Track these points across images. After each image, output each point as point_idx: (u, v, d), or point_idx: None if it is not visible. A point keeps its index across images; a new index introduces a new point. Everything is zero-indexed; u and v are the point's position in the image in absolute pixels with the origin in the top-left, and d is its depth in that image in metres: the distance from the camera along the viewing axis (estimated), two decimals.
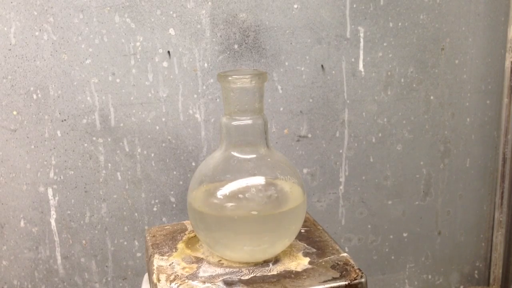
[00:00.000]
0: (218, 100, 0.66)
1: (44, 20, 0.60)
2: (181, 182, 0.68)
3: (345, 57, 0.68)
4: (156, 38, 0.63)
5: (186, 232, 0.51)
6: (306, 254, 0.45)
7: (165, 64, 0.64)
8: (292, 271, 0.42)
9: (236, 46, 0.65)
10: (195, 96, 0.65)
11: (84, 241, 0.67)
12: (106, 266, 0.69)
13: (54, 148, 0.64)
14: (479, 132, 0.76)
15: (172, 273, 0.42)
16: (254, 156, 0.43)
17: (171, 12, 0.63)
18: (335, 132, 0.70)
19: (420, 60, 0.71)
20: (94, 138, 0.64)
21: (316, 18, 0.66)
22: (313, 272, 0.42)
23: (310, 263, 0.43)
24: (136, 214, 0.68)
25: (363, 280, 0.41)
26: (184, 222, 0.54)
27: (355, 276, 0.41)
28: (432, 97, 0.72)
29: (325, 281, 0.40)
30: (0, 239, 0.66)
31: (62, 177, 0.65)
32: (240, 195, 0.42)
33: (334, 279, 0.41)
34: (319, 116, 0.69)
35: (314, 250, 0.46)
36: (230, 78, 0.41)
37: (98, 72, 0.63)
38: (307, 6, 0.65)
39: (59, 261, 0.67)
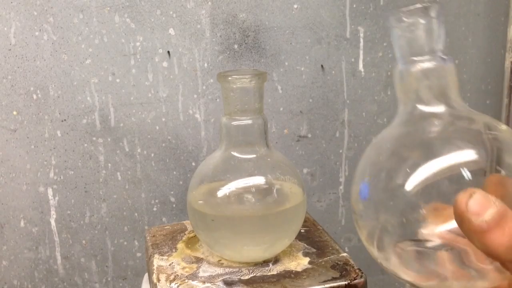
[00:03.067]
0: (218, 100, 0.66)
1: (44, 20, 0.60)
2: (181, 182, 0.68)
3: (345, 57, 0.68)
4: (156, 38, 0.63)
5: (186, 232, 0.51)
6: (306, 254, 0.45)
7: (165, 64, 0.64)
8: (292, 271, 0.42)
9: (236, 46, 0.65)
10: (195, 96, 0.65)
11: (84, 241, 0.67)
12: (106, 266, 0.69)
13: (54, 148, 0.64)
14: None
15: (172, 273, 0.42)
16: (254, 156, 0.43)
17: (171, 12, 0.63)
18: (335, 132, 0.70)
19: None
20: (94, 138, 0.64)
21: (316, 18, 0.66)
22: (313, 272, 0.42)
23: (310, 263, 0.43)
24: (136, 214, 0.68)
25: (363, 280, 0.41)
26: (184, 222, 0.54)
27: (355, 276, 0.41)
28: None
29: (325, 281, 0.40)
30: (0, 239, 0.66)
31: (62, 177, 0.65)
32: (240, 195, 0.42)
33: (334, 279, 0.41)
34: (319, 116, 0.69)
35: (314, 250, 0.46)
36: (230, 78, 0.41)
37: (98, 72, 0.63)
38: (307, 6, 0.65)
39: (59, 261, 0.67)
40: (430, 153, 0.29)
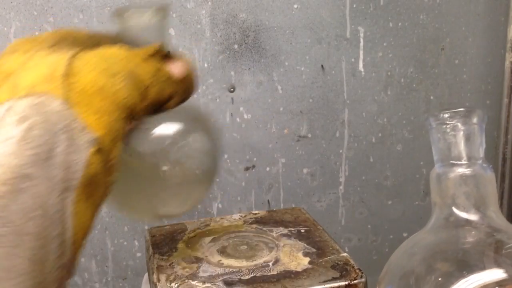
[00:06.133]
0: (218, 100, 0.66)
1: (44, 20, 0.60)
2: None
3: (345, 57, 0.68)
4: None
5: (186, 232, 0.51)
6: (306, 254, 0.45)
7: None
8: (292, 271, 0.42)
9: (236, 46, 0.65)
10: (195, 96, 0.65)
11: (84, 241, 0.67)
12: (106, 266, 0.69)
13: None
14: None
15: (172, 273, 0.42)
16: None
17: (171, 12, 0.63)
18: (335, 132, 0.70)
19: (420, 60, 0.71)
20: None
21: (316, 18, 0.66)
22: (313, 272, 0.42)
23: (310, 263, 0.43)
24: None
25: (363, 280, 0.41)
26: (184, 222, 0.54)
27: (355, 276, 0.41)
28: (432, 97, 0.72)
29: (325, 281, 0.40)
30: None
31: None
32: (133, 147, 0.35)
33: (334, 279, 0.41)
34: (319, 116, 0.69)
35: (314, 250, 0.46)
36: (127, 14, 0.34)
37: None
38: (307, 6, 0.65)
39: None
40: (465, 265, 0.28)
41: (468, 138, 0.30)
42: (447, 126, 0.30)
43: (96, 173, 0.24)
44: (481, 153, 0.31)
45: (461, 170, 0.30)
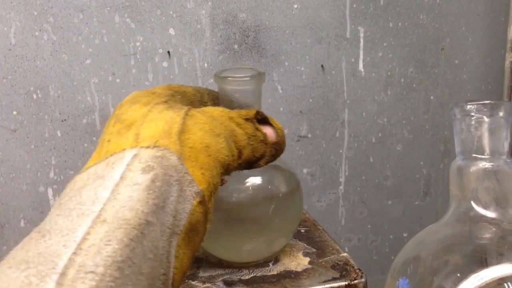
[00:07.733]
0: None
1: (44, 20, 0.60)
2: None
3: (345, 57, 0.68)
4: (156, 38, 0.63)
5: None
6: (306, 254, 0.45)
7: (165, 64, 0.64)
8: (292, 271, 0.42)
9: (236, 46, 0.65)
10: None
11: None
12: None
13: (54, 148, 0.64)
14: None
15: None
16: None
17: (171, 12, 0.63)
18: (335, 132, 0.70)
19: (420, 60, 0.71)
20: (94, 138, 0.64)
21: (316, 18, 0.66)
22: (313, 272, 0.42)
23: (310, 263, 0.43)
24: None
25: (363, 280, 0.41)
26: None
27: (355, 276, 0.41)
28: (432, 97, 0.72)
29: (325, 281, 0.40)
30: (0, 239, 0.66)
31: (62, 177, 0.65)
32: (235, 196, 0.41)
33: (334, 279, 0.41)
34: (319, 116, 0.69)
35: (314, 250, 0.46)
36: (229, 79, 0.40)
37: (98, 72, 0.63)
38: (307, 6, 0.65)
39: None
40: (478, 261, 0.27)
41: (493, 132, 0.29)
42: (472, 118, 0.30)
43: (197, 221, 0.27)
44: (506, 148, 0.30)
45: (483, 164, 0.29)
